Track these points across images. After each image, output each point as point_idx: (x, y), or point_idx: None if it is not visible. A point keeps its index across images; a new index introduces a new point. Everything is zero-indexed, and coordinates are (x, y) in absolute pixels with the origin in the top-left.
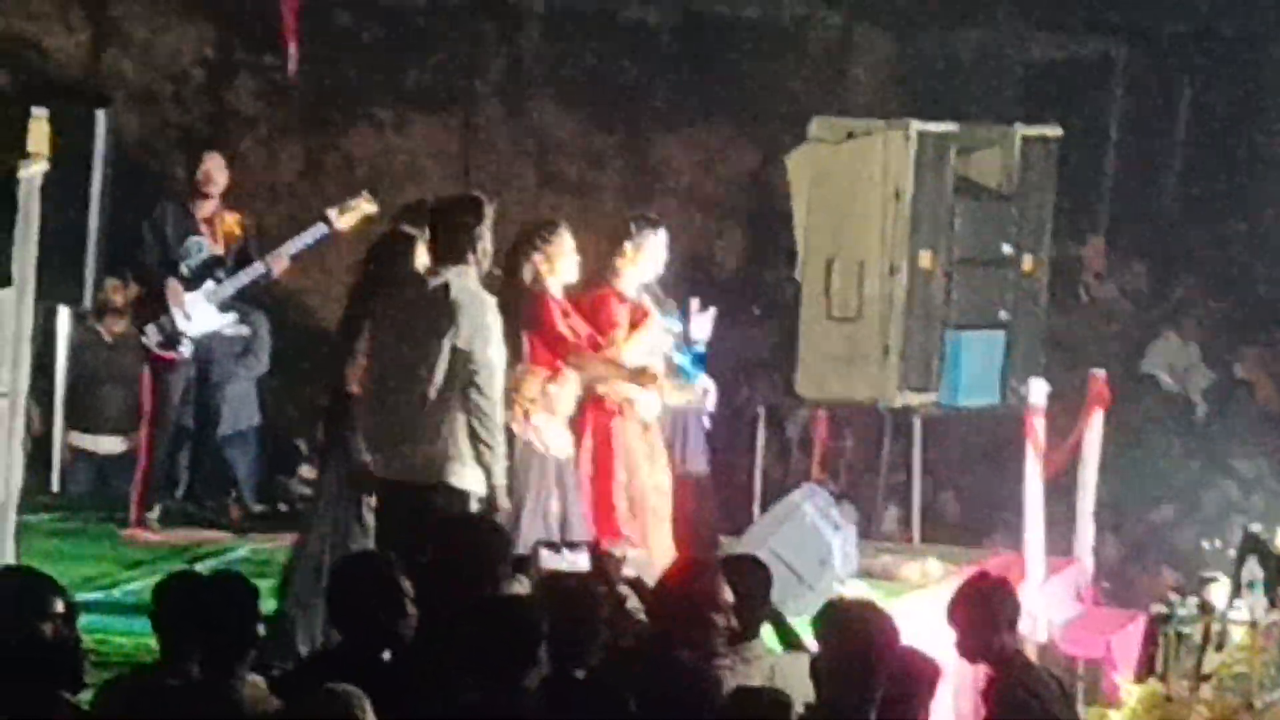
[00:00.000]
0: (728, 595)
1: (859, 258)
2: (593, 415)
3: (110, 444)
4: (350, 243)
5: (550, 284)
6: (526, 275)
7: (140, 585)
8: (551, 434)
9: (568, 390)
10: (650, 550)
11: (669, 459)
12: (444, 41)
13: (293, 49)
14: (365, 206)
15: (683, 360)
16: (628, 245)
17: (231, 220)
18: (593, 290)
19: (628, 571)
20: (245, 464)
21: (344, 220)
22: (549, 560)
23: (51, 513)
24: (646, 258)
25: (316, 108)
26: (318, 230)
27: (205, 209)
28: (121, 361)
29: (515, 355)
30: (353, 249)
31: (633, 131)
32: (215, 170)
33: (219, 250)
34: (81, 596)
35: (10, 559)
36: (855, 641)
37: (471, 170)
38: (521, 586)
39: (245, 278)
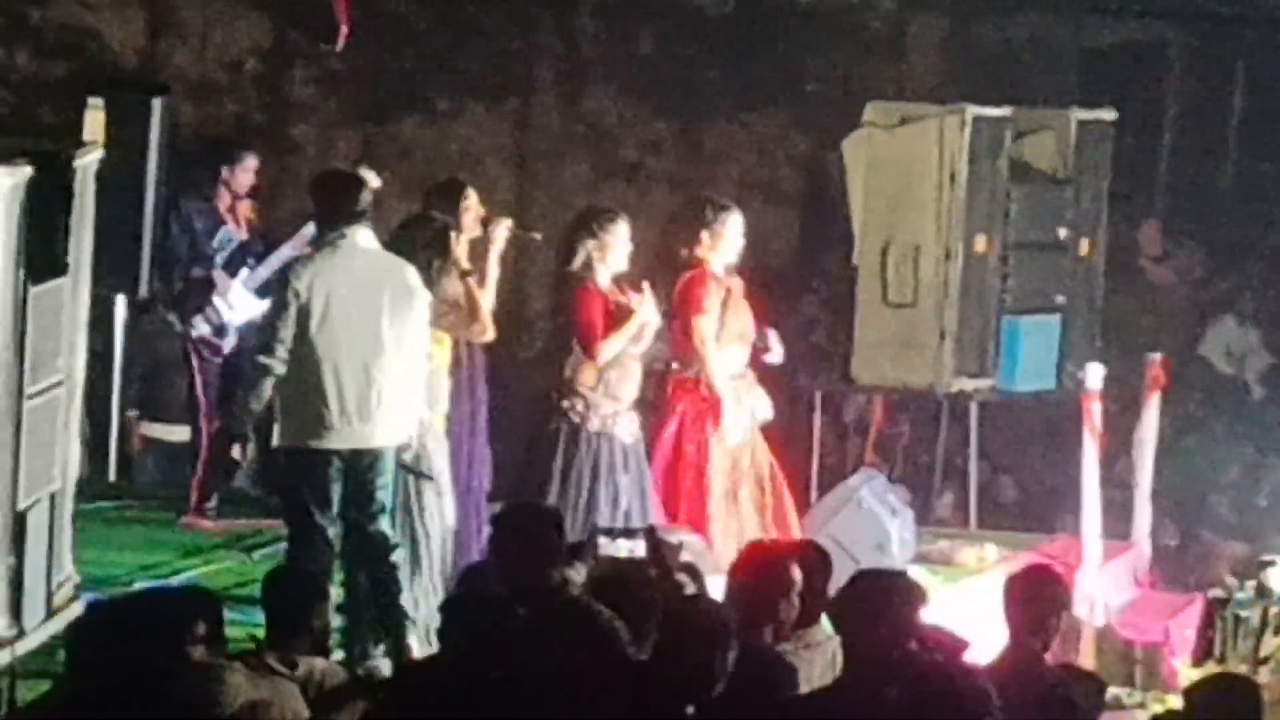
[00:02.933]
0: (799, 580)
1: (914, 243)
2: (677, 399)
3: (181, 433)
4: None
5: (600, 272)
6: (578, 261)
7: (197, 573)
8: (612, 420)
9: (628, 375)
10: (714, 539)
11: None
12: (499, 29)
13: (344, 29)
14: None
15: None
16: (705, 235)
17: (248, 207)
18: (684, 273)
19: (685, 558)
20: None
21: None
22: (606, 546)
23: (110, 501)
24: (727, 243)
25: (372, 96)
26: None
27: (226, 199)
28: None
29: (567, 342)
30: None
31: (688, 118)
32: (245, 171)
33: (245, 237)
34: (139, 584)
35: (68, 547)
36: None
37: (527, 158)
38: (578, 573)
39: (276, 261)
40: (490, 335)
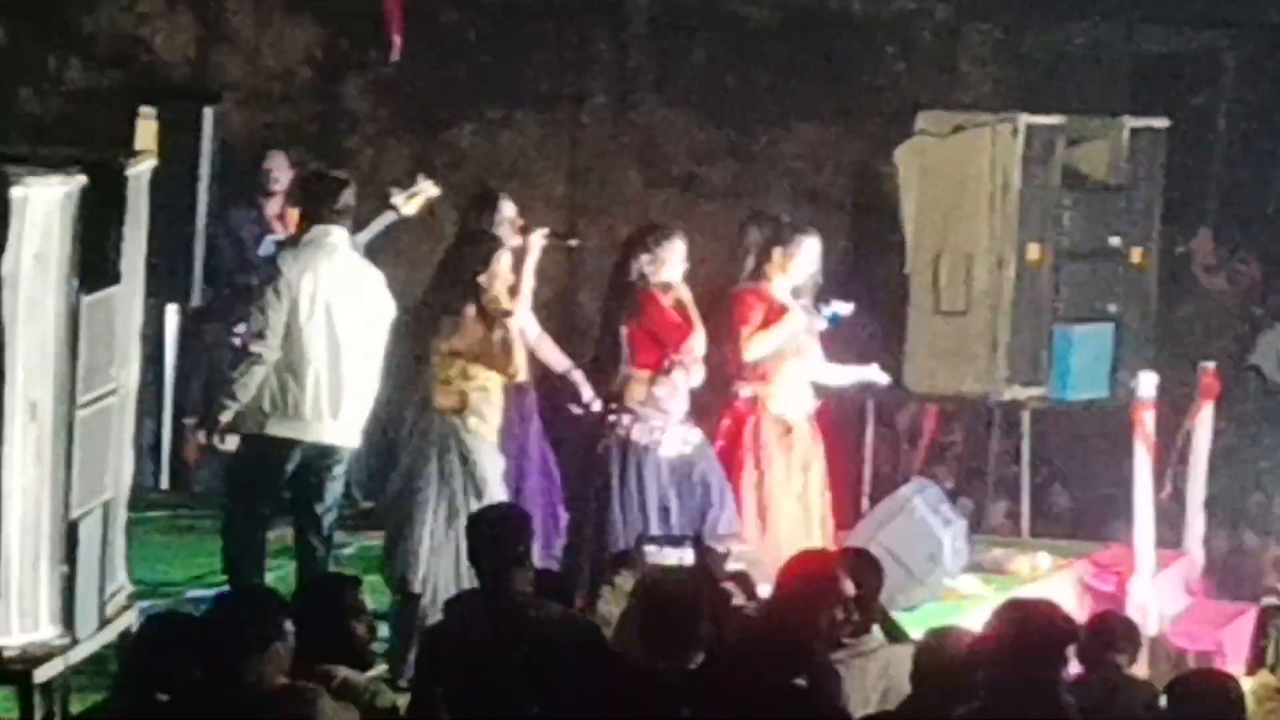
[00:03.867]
0: (849, 589)
1: (967, 251)
2: (725, 414)
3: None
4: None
5: (654, 284)
6: (633, 275)
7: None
8: (661, 433)
9: (678, 390)
10: (768, 549)
11: None
12: (551, 39)
13: (397, 39)
14: (429, 190)
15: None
16: (777, 252)
17: (297, 215)
18: (738, 289)
19: (733, 566)
20: (356, 461)
21: (410, 206)
22: (654, 555)
23: (163, 510)
24: (798, 266)
25: (424, 106)
26: (387, 217)
27: (273, 206)
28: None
29: (615, 354)
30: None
31: (740, 127)
32: (279, 168)
33: None
34: (190, 593)
35: (121, 556)
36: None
37: (578, 167)
38: (625, 581)
39: None
40: (523, 375)
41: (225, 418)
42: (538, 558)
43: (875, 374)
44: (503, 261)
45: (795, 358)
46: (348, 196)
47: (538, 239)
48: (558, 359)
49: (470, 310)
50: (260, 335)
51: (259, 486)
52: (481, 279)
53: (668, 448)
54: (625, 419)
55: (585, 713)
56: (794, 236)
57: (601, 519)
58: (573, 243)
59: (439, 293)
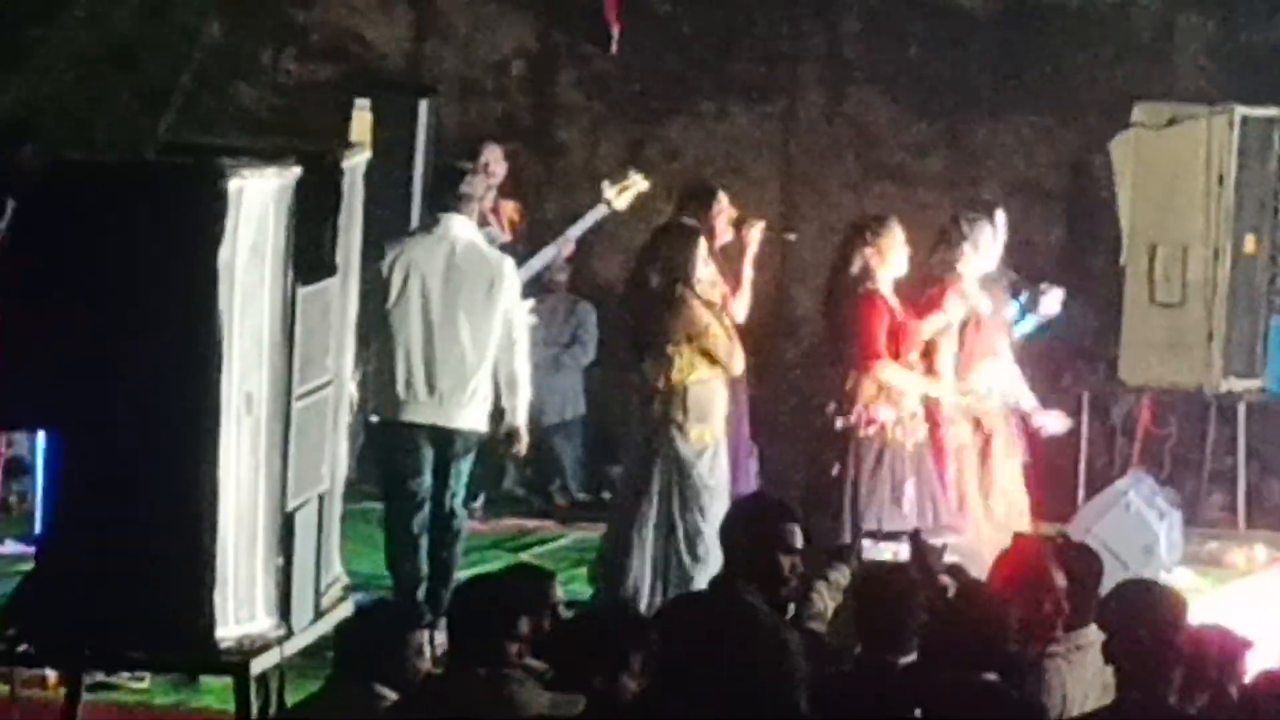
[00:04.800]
0: (1060, 580)
1: (1183, 243)
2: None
3: None
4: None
5: (880, 277)
6: (855, 268)
7: (465, 574)
8: (898, 426)
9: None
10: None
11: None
12: (764, 31)
13: (616, 31)
14: (639, 183)
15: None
16: (965, 246)
17: (511, 208)
18: (931, 286)
19: (950, 559)
20: (571, 453)
21: (621, 200)
22: (870, 550)
23: (377, 501)
24: (982, 251)
25: (637, 98)
26: (599, 211)
27: (488, 200)
28: None
29: (840, 352)
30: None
31: (954, 119)
32: (495, 161)
33: (508, 237)
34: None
35: (336, 548)
36: (1145, 623)
37: (792, 159)
38: (841, 575)
39: (538, 263)
40: (739, 370)
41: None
42: None
43: (1049, 420)
44: (702, 250)
45: (986, 357)
46: (466, 185)
47: (756, 232)
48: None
49: (690, 297)
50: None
51: (385, 472)
52: (693, 268)
53: (901, 440)
54: (854, 415)
55: (802, 711)
56: (974, 223)
57: (838, 510)
58: (790, 236)
59: (645, 284)
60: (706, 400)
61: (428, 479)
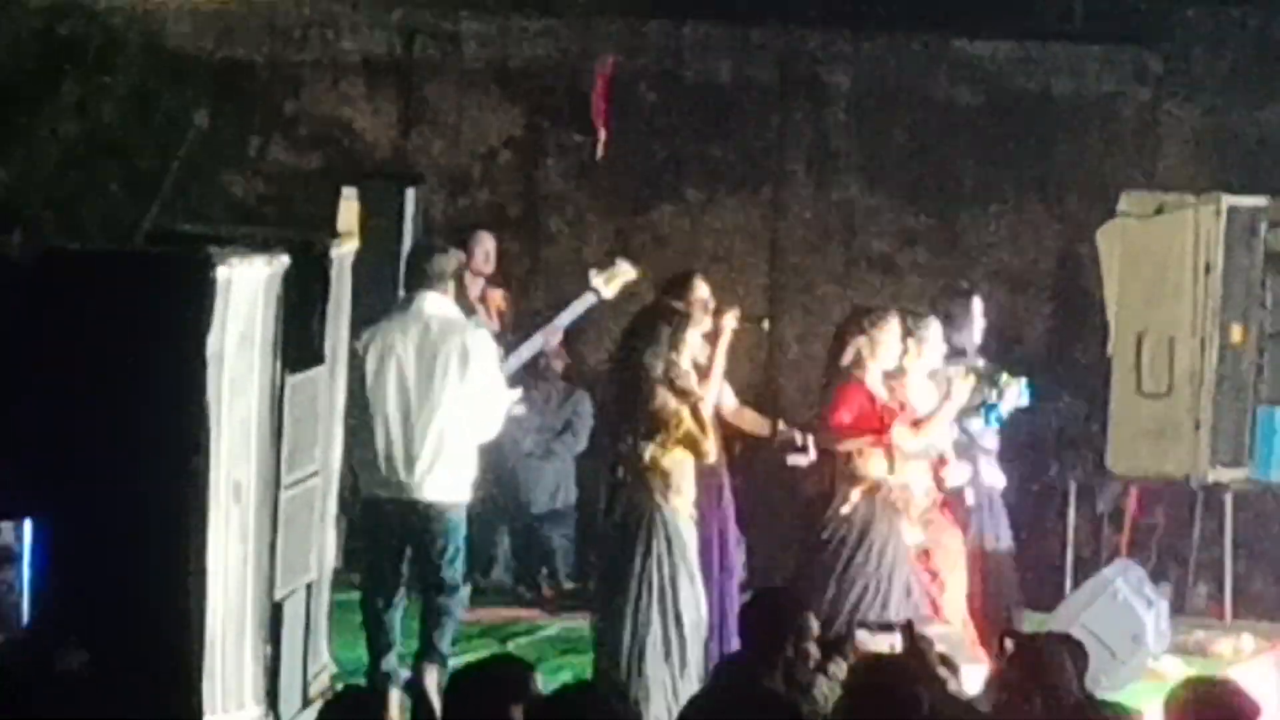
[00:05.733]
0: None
1: (1170, 332)
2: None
3: None
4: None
5: (870, 368)
6: (847, 357)
7: (453, 664)
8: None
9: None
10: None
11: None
12: (751, 119)
13: (603, 135)
14: (628, 272)
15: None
16: (910, 343)
17: (498, 297)
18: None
19: (940, 649)
20: (561, 542)
21: (609, 288)
22: (866, 641)
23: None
24: (929, 350)
25: (624, 186)
26: (587, 300)
27: (475, 288)
28: None
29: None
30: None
31: (941, 209)
32: (486, 250)
33: (496, 327)
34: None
35: (324, 636)
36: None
37: (779, 248)
38: (839, 668)
39: (527, 352)
40: (713, 457)
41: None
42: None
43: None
44: (688, 336)
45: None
46: (440, 263)
47: (730, 320)
48: (760, 423)
49: (658, 386)
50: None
51: (367, 550)
52: (668, 353)
53: (911, 535)
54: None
55: None
56: (919, 323)
57: (831, 599)
58: (764, 324)
59: (621, 365)
60: (680, 477)
61: (406, 553)
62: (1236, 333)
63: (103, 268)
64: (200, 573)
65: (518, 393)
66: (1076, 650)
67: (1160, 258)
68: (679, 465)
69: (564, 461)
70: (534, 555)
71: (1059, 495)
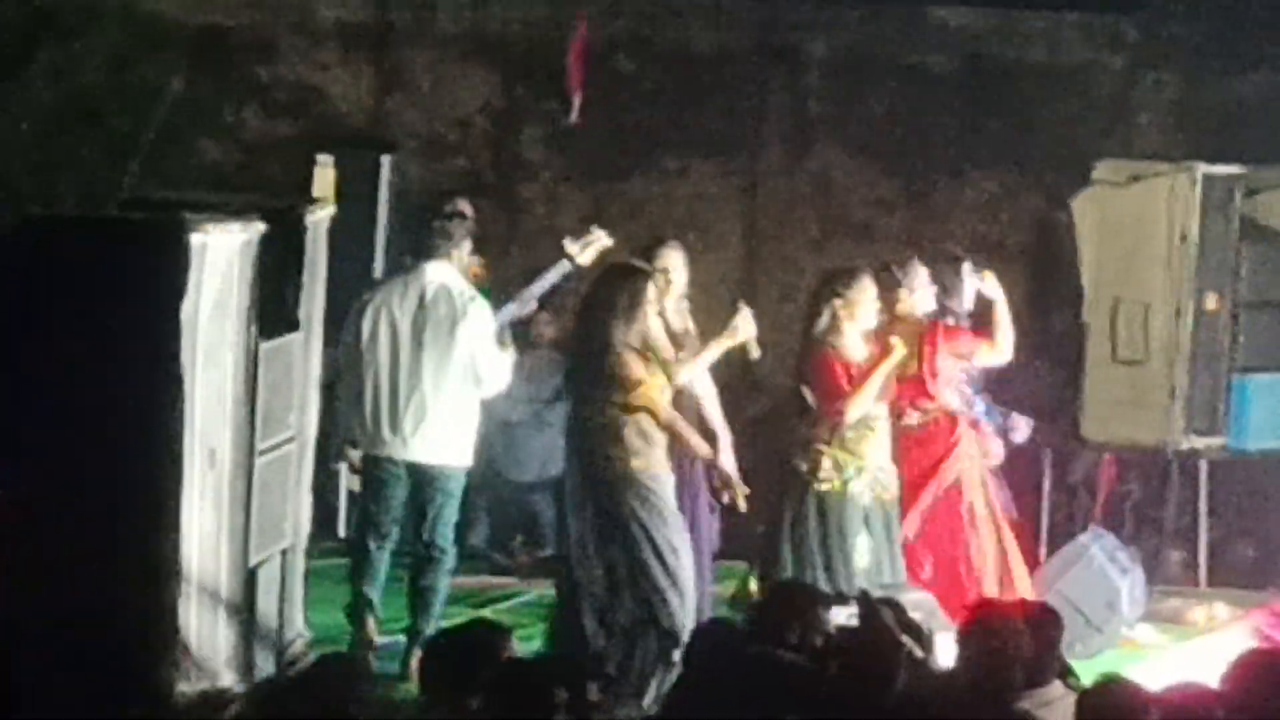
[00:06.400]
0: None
1: (1144, 301)
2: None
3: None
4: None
5: (847, 330)
6: (823, 322)
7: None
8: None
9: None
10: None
11: None
12: (727, 88)
13: (577, 99)
14: (602, 239)
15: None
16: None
17: (475, 263)
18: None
19: (915, 616)
20: (549, 510)
21: (585, 255)
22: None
23: (341, 558)
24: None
25: (600, 154)
26: (562, 267)
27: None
28: None
29: (800, 404)
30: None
31: (917, 176)
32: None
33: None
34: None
35: (299, 604)
36: None
37: (755, 216)
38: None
39: (503, 318)
40: (706, 452)
41: (336, 450)
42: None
43: None
44: (649, 297)
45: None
46: (443, 231)
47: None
48: (703, 446)
49: (623, 350)
50: (335, 365)
51: (362, 506)
52: (629, 317)
53: (859, 494)
54: (808, 464)
55: None
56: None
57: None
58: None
59: (585, 331)
60: (641, 439)
61: (393, 513)
62: (1211, 301)
63: (78, 234)
64: (175, 539)
65: (511, 353)
66: (1052, 619)
67: (1135, 226)
68: (638, 426)
69: (555, 431)
70: (515, 523)
71: (1034, 463)
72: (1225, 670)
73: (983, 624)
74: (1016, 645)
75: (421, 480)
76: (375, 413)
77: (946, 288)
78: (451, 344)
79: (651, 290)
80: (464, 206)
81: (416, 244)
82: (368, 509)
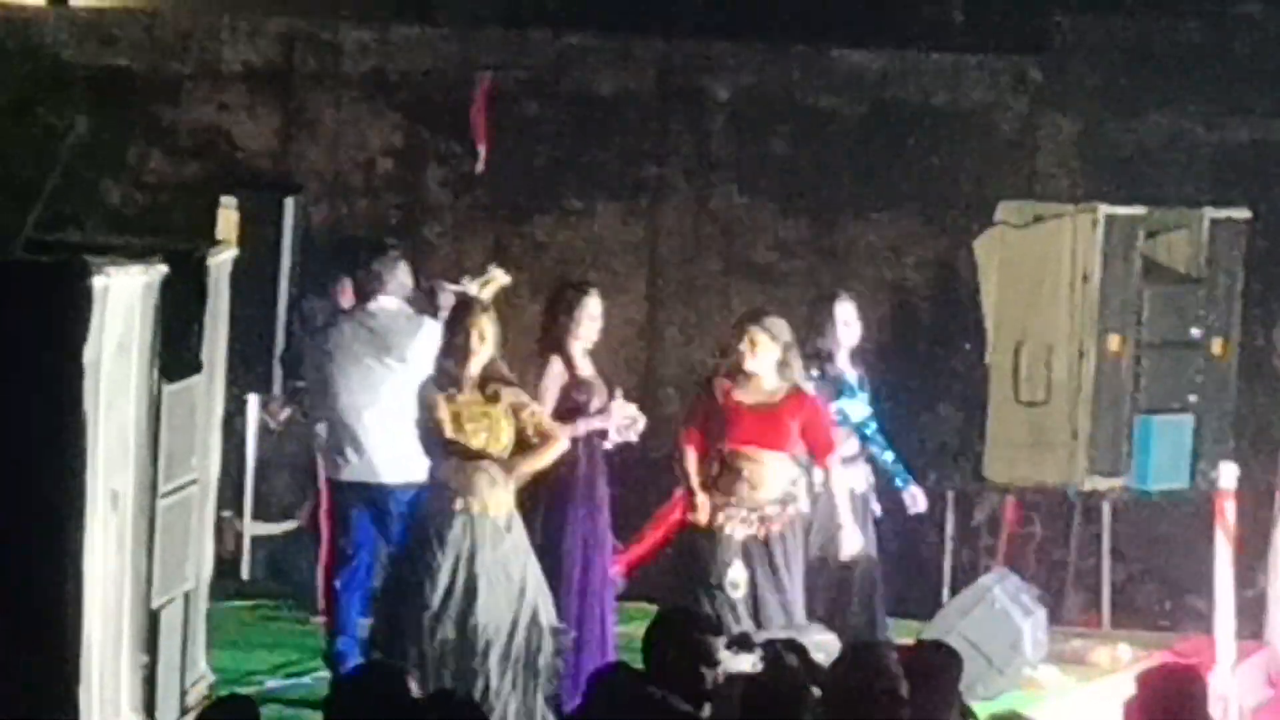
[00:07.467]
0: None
1: (1047, 341)
2: None
3: (278, 529)
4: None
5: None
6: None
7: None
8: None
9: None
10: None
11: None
12: (630, 129)
13: (483, 150)
14: (500, 278)
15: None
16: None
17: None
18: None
19: (819, 658)
20: None
21: (485, 292)
22: (727, 661)
23: (244, 600)
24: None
25: (503, 196)
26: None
27: (349, 297)
28: (287, 448)
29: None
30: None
31: (820, 218)
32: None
33: None
34: (271, 684)
35: (201, 646)
36: None
37: (658, 258)
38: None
39: None
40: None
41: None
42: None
43: None
44: (481, 326)
45: None
46: (382, 267)
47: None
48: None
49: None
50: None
51: (341, 523)
52: (471, 344)
53: (733, 532)
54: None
55: None
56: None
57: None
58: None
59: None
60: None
61: (361, 536)
62: (1114, 342)
63: None
64: (77, 581)
65: None
66: (950, 659)
67: (1038, 267)
68: (479, 468)
69: None
70: None
71: (937, 504)
72: (1128, 697)
73: (853, 662)
74: (889, 683)
75: (382, 501)
76: (339, 440)
77: (817, 324)
78: (404, 364)
79: (471, 324)
80: (391, 242)
81: (360, 286)
82: (338, 539)
